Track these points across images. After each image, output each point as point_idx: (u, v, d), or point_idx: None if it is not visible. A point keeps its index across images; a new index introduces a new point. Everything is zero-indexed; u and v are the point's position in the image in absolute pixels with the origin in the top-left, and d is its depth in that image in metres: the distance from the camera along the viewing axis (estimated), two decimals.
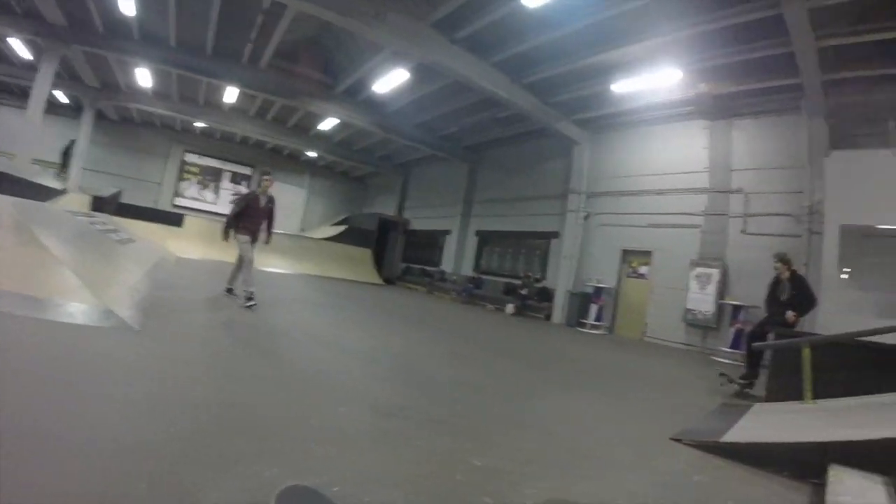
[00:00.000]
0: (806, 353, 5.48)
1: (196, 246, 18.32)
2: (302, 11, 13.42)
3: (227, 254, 18.18)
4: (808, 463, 3.70)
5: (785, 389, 6.00)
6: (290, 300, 11.55)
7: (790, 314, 7.72)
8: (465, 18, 13.07)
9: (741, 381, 7.77)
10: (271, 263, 18.98)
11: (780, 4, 9.78)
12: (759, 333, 7.94)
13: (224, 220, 9.45)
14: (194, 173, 31.54)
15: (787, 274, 8.18)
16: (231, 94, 21.54)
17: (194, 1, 14.71)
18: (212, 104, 24.13)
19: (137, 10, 14.68)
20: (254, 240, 9.19)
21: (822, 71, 11.49)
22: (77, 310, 5.16)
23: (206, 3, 14.60)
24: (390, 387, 5.07)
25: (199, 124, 27.82)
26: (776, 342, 6.71)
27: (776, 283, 8.28)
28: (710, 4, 11.11)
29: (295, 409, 3.77)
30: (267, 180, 9.41)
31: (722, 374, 8.19)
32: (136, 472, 2.31)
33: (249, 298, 8.47)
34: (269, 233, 9.64)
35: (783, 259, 8.29)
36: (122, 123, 28.31)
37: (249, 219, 9.13)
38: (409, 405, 4.38)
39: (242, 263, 8.95)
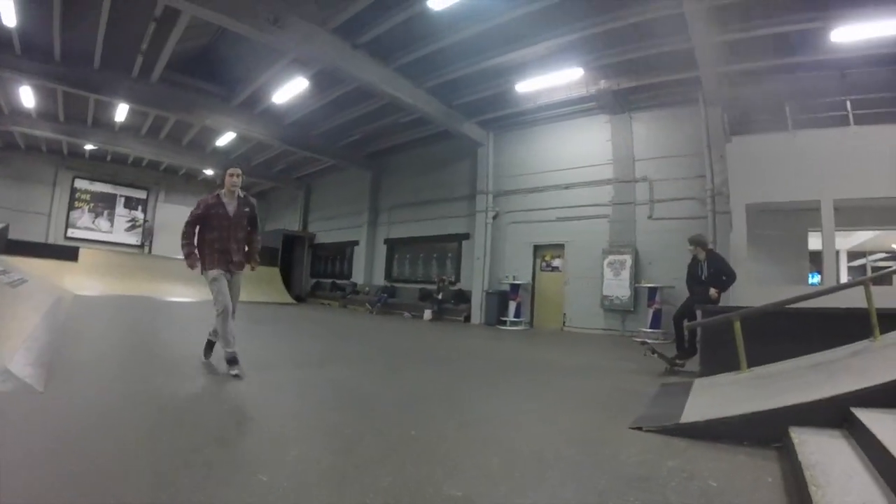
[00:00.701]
0: (737, 326, 5.62)
1: (94, 281, 17.37)
2: (196, 19, 12.81)
3: (129, 287, 17.43)
4: (766, 430, 3.81)
5: (719, 362, 6.28)
6: (203, 329, 10.88)
7: (713, 291, 8.00)
8: (367, 23, 12.84)
9: (675, 361, 8.00)
10: (176, 292, 18.25)
11: (682, 4, 10.21)
12: (685, 313, 8.15)
13: (182, 241, 6.12)
14: (86, 201, 29.47)
15: (703, 254, 8.46)
16: (122, 112, 20.24)
17: (81, 9, 13.60)
18: (101, 124, 22.60)
19: (19, 21, 13.42)
20: (230, 267, 6.14)
21: (719, 64, 12.11)
22: None
23: (93, 12, 13.51)
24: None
25: (88, 146, 25.90)
26: (709, 320, 6.89)
27: (695, 264, 8.55)
28: (611, 4, 11.48)
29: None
30: (233, 175, 6.17)
31: (644, 344, 8.43)
32: None
33: (231, 361, 5.78)
34: (254, 254, 6.57)
35: (697, 241, 8.59)
36: (6, 150, 26.22)
37: (216, 235, 6.08)
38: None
39: (217, 311, 5.91)
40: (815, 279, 13.08)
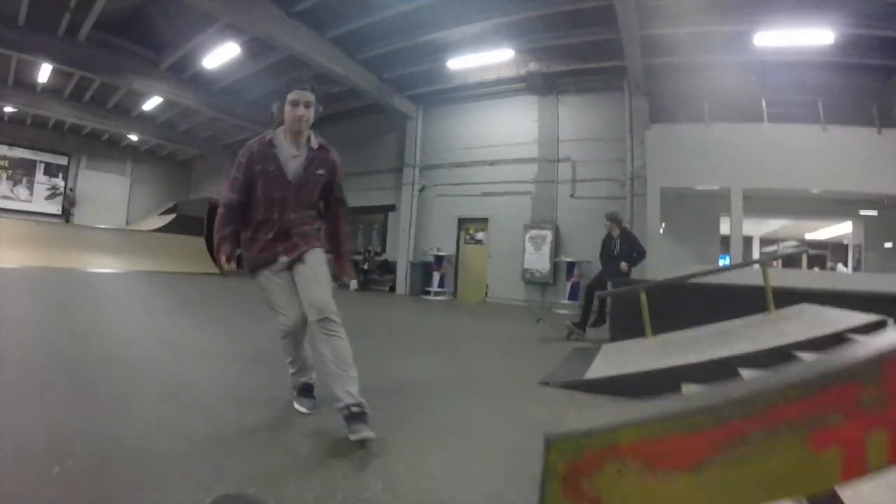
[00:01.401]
0: (643, 296, 6.23)
1: (15, 252, 16.60)
2: None
3: (52, 258, 16.90)
4: (661, 387, 4.26)
5: (627, 329, 6.86)
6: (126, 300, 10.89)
7: (623, 265, 8.67)
8: None
9: (571, 324, 8.73)
10: (100, 263, 17.90)
11: None
12: (597, 284, 8.80)
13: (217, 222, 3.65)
14: (3, 167, 27.60)
15: (617, 231, 9.13)
16: (45, 73, 19.29)
17: None
18: (22, 85, 21.23)
19: None
20: (291, 252, 3.56)
21: (644, 56, 12.71)
22: None
23: None
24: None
25: (8, 109, 24.31)
26: (617, 290, 7.54)
27: (609, 239, 9.21)
28: None
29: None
30: (300, 102, 3.48)
31: (538, 318, 9.03)
32: None
33: (354, 416, 3.07)
34: (344, 253, 3.87)
35: (613, 218, 9.24)
36: None
37: (270, 208, 3.56)
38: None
39: (280, 332, 3.66)
40: (725, 261, 14.01)
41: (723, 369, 4.18)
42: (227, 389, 4.11)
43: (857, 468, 0.73)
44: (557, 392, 4.70)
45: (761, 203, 12.79)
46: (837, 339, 4.12)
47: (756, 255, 20.02)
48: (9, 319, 6.63)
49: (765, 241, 21.52)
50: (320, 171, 3.60)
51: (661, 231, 12.94)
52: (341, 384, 3.13)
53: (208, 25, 14.99)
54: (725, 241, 13.63)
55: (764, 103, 12.22)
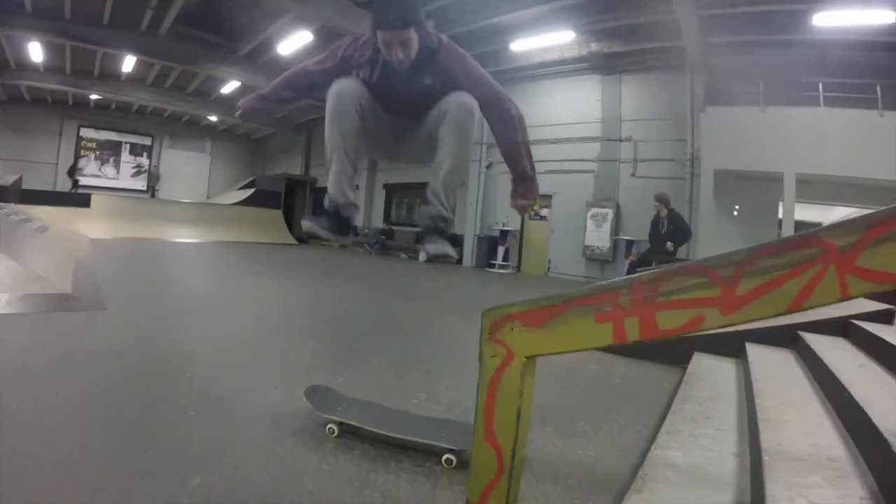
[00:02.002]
0: None
1: (106, 225, 17.85)
2: None
3: (139, 230, 18.15)
4: (677, 352, 4.77)
5: None
6: (215, 266, 11.94)
7: (669, 244, 9.06)
8: None
9: None
10: (182, 234, 19.04)
11: None
12: (644, 261, 9.24)
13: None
14: (92, 149, 29.50)
15: (665, 211, 9.51)
16: (129, 63, 20.79)
17: None
18: (107, 75, 22.94)
19: None
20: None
21: (703, 35, 12.83)
22: (40, 300, 5.24)
23: None
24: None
25: (94, 96, 25.94)
26: (658, 267, 7.97)
27: (657, 219, 9.61)
28: None
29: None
30: (391, 41, 2.37)
31: None
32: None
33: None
34: (522, 166, 2.79)
35: (661, 199, 9.62)
36: (10, 103, 26.10)
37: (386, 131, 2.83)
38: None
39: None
40: None
41: (732, 342, 4.64)
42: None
43: (620, 337, 1.30)
44: (582, 352, 5.23)
45: (826, 189, 12.61)
46: (842, 323, 4.46)
47: None
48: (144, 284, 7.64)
49: None
50: (427, 79, 2.59)
51: (716, 212, 13.03)
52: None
53: (281, 16, 15.83)
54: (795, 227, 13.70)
55: (821, 87, 12.04)
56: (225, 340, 4.76)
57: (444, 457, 2.32)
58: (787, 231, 11.95)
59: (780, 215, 12.43)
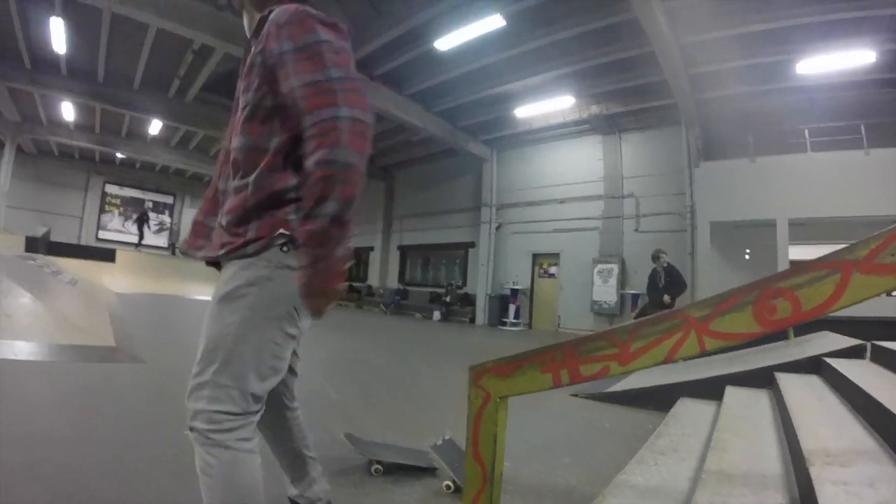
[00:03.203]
0: None
1: (130, 280, 18.46)
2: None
3: (161, 286, 18.74)
4: (664, 398, 5.25)
5: None
6: None
7: (667, 297, 9.60)
8: (383, 58, 14.46)
9: None
10: (201, 292, 18.94)
11: (651, 44, 11.63)
12: (643, 314, 9.74)
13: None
14: (116, 205, 30.94)
15: (661, 266, 10.08)
16: (155, 126, 21.98)
17: (126, 39, 15.08)
18: (134, 135, 24.21)
19: (67, 48, 14.94)
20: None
21: (694, 92, 13.59)
22: (88, 351, 5.75)
23: (137, 42, 15.05)
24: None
25: (119, 155, 27.45)
26: (650, 316, 8.49)
27: (654, 274, 10.19)
28: (595, 42, 12.95)
29: None
30: None
31: None
32: None
33: None
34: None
35: (655, 256, 10.21)
36: (39, 157, 27.56)
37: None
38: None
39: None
40: None
41: (712, 386, 5.11)
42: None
43: (557, 382, 1.90)
44: (582, 401, 5.78)
45: (820, 229, 13.05)
46: (815, 361, 4.94)
47: None
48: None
49: None
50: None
51: (716, 259, 13.62)
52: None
53: None
54: None
55: (807, 133, 12.62)
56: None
57: (445, 483, 2.95)
58: None
59: (794, 256, 12.89)
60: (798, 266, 1.64)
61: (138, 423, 3.74)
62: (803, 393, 4.08)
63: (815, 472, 2.06)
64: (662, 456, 3.35)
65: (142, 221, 27.56)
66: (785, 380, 4.62)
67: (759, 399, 4.61)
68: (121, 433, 3.45)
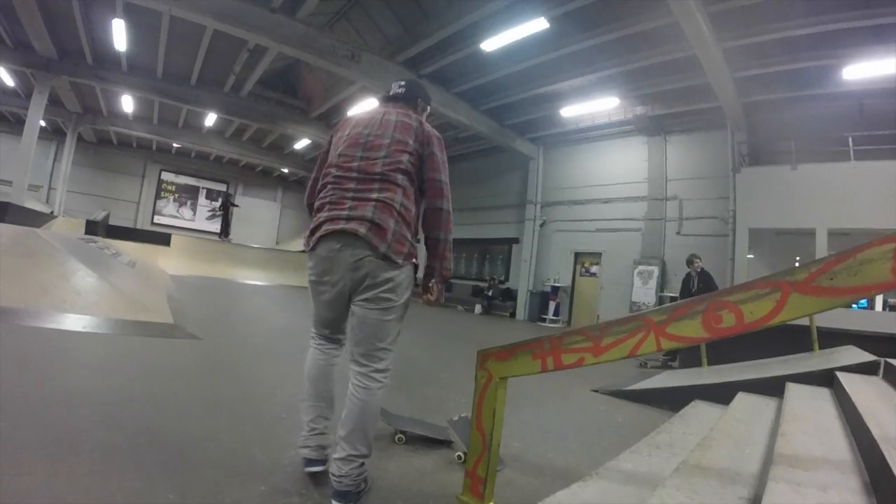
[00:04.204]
0: None
1: (184, 263, 18.97)
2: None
3: (212, 270, 19.22)
4: (680, 400, 5.48)
5: (693, 360, 7.99)
6: (286, 305, 13.03)
7: None
8: (431, 57, 14.92)
9: (664, 357, 9.78)
10: (251, 276, 20.02)
11: (694, 48, 11.68)
12: None
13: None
14: (171, 191, 31.96)
15: (697, 269, 10.26)
16: (210, 119, 22.89)
17: (184, 38, 15.85)
18: (190, 126, 25.20)
19: (128, 46, 15.78)
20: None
21: (740, 96, 13.60)
22: (150, 327, 6.22)
23: (195, 42, 15.85)
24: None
25: (176, 145, 28.53)
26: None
27: (688, 277, 10.38)
28: (639, 45, 13.16)
29: None
30: None
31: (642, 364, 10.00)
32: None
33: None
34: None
35: (691, 260, 10.39)
36: (100, 145, 28.75)
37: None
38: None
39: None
40: None
41: (725, 391, 5.31)
42: None
43: (544, 367, 2.27)
44: (602, 397, 6.11)
45: (862, 240, 12.87)
46: (829, 375, 5.08)
47: None
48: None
49: None
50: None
51: (756, 267, 13.63)
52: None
53: (350, 84, 17.39)
54: None
55: (850, 140, 12.43)
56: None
57: (457, 454, 3.36)
58: None
59: None
60: (744, 284, 1.94)
61: (194, 392, 4.19)
62: (805, 403, 4.26)
63: (774, 472, 2.32)
64: (657, 449, 3.64)
65: (227, 209, 25.76)
66: (794, 390, 4.81)
67: (765, 406, 4.77)
68: (179, 399, 3.91)
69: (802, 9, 10.99)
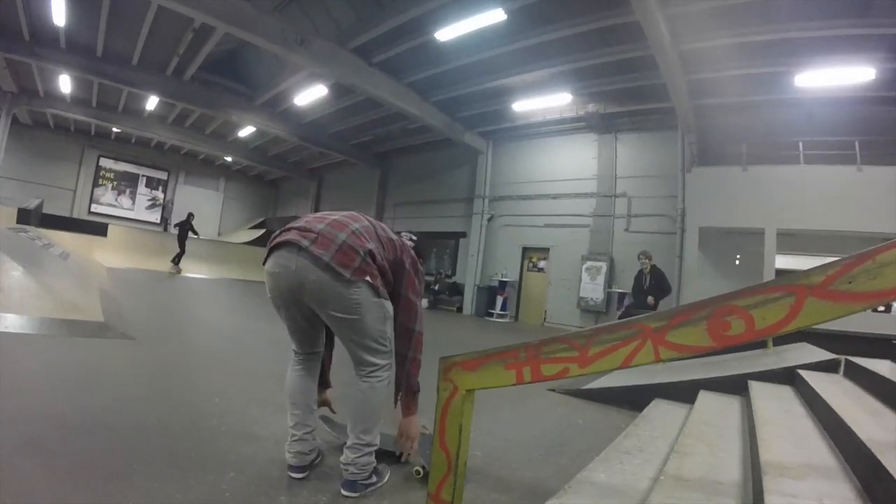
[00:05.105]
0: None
1: (121, 255, 18.47)
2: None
3: (151, 263, 18.63)
4: (639, 399, 5.35)
5: None
6: (228, 301, 12.59)
7: (650, 299, 9.71)
8: (383, 45, 14.50)
9: None
10: (192, 269, 19.43)
11: (652, 48, 11.64)
12: (628, 314, 9.86)
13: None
14: (110, 179, 30.76)
15: (648, 267, 10.18)
16: (152, 103, 22.07)
17: (126, 16, 15.14)
18: (130, 111, 24.16)
19: (67, 21, 14.92)
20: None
21: (692, 98, 13.69)
22: (77, 326, 5.83)
23: (138, 19, 15.08)
24: None
25: (115, 129, 27.34)
26: (631, 318, 8.59)
27: (640, 275, 10.30)
28: (594, 43, 13.09)
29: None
30: None
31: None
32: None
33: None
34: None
35: (645, 255, 10.30)
36: (35, 128, 27.40)
37: None
38: None
39: None
40: None
41: (686, 389, 5.23)
42: None
43: (519, 379, 2.00)
44: (559, 396, 5.89)
45: (808, 241, 13.22)
46: (790, 372, 5.06)
47: None
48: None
49: None
50: None
51: (703, 266, 13.75)
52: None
53: (299, 70, 16.82)
54: (786, 275, 14.12)
55: (801, 145, 12.68)
56: (245, 374, 5.28)
57: (415, 468, 3.06)
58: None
59: (781, 265, 12.91)
60: (754, 287, 1.71)
61: (122, 399, 3.82)
62: (773, 404, 4.18)
63: (766, 483, 2.16)
64: (627, 455, 3.45)
65: (184, 232, 19.63)
66: (757, 388, 4.76)
67: (729, 406, 4.70)
68: (106, 409, 3.52)
69: (759, 16, 11.06)
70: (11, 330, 5.35)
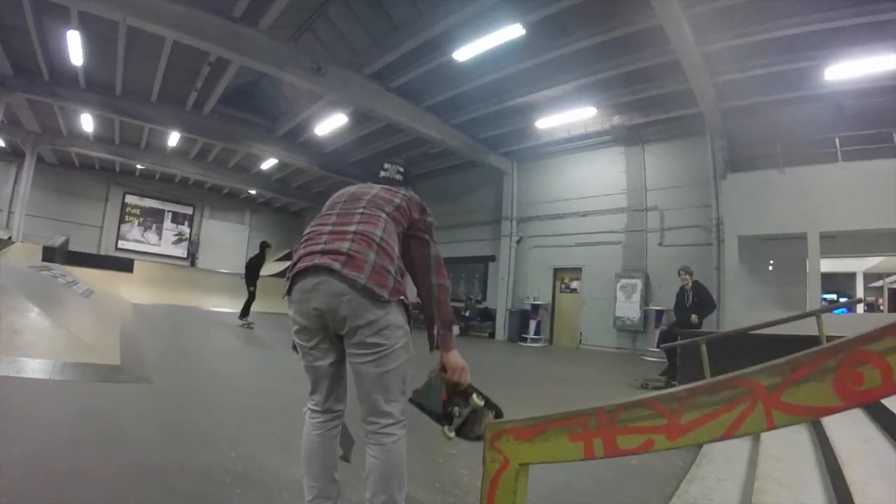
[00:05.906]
0: (703, 348, 6.85)
1: (147, 290, 18.40)
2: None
3: (178, 297, 18.58)
4: None
5: (693, 375, 7.40)
6: (254, 337, 12.31)
7: (694, 317, 9.21)
8: (400, 70, 14.36)
9: (662, 377, 9.25)
10: (218, 303, 19.27)
11: (675, 52, 11.28)
12: (669, 335, 9.39)
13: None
14: (136, 215, 30.98)
15: (689, 283, 9.68)
16: (173, 138, 22.14)
17: (142, 52, 15.18)
18: (153, 147, 24.34)
19: (85, 60, 15.01)
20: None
21: (719, 101, 13.21)
22: (91, 370, 5.55)
23: (154, 55, 15.11)
24: None
25: (139, 166, 27.59)
26: (682, 342, 8.14)
27: (682, 292, 9.78)
28: (616, 52, 12.71)
29: None
30: None
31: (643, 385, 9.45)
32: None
33: None
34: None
35: (686, 271, 9.80)
36: (61, 167, 27.68)
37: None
38: None
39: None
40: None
41: None
42: None
43: (589, 454, 1.59)
44: None
45: (854, 242, 12.79)
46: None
47: (861, 292, 19.58)
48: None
49: (868, 277, 20.55)
50: None
51: (743, 274, 13.24)
52: None
53: (318, 99, 16.75)
54: (829, 279, 13.75)
55: (837, 141, 12.16)
56: (269, 416, 4.96)
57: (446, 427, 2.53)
58: (814, 287, 12.03)
59: (825, 269, 12.56)
60: (889, 326, 1.30)
61: (121, 454, 3.47)
62: (847, 431, 3.85)
63: None
64: None
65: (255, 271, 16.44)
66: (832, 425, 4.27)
67: (797, 433, 4.38)
68: (100, 468, 3.16)
69: (782, 10, 10.66)
70: (22, 375, 5.13)
